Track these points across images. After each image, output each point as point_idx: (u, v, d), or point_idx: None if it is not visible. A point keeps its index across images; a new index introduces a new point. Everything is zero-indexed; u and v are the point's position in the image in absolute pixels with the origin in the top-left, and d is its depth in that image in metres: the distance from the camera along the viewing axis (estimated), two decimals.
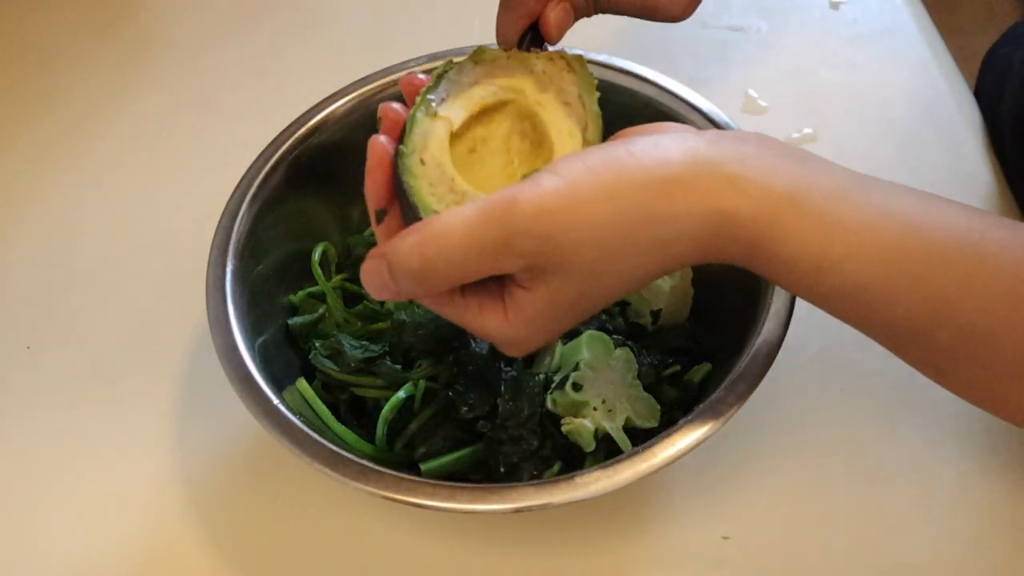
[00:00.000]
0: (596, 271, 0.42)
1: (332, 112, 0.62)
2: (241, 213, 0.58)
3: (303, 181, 0.61)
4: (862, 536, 0.55)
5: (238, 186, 0.59)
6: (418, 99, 0.48)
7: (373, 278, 0.43)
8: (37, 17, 0.87)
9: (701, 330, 0.59)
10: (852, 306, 0.43)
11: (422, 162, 0.46)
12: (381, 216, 0.46)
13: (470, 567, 0.55)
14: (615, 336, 0.56)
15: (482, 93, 0.49)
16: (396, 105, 0.47)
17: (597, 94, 0.49)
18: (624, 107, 0.63)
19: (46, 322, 0.68)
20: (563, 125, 0.48)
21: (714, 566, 0.55)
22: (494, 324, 0.44)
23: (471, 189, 0.46)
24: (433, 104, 0.48)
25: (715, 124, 0.59)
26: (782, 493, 0.57)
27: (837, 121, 0.75)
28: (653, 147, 0.42)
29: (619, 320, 0.58)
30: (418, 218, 0.44)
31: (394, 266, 0.42)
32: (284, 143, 0.61)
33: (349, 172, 0.63)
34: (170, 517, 0.58)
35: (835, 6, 0.83)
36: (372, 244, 0.63)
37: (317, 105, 0.62)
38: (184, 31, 0.86)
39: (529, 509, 0.46)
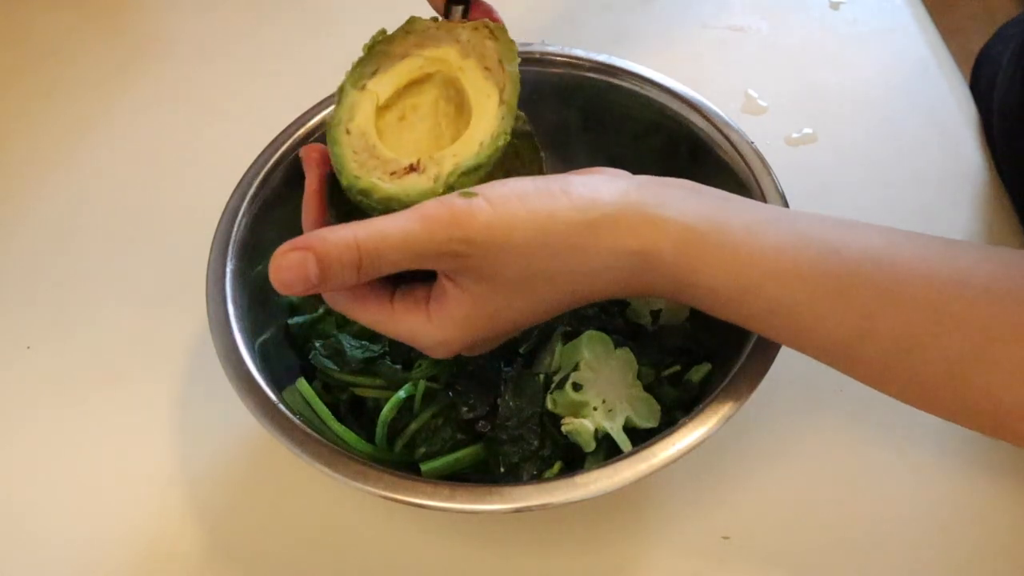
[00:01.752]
0: (522, 288, 0.45)
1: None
2: (241, 213, 0.58)
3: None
4: (862, 536, 0.55)
5: (238, 186, 0.59)
6: (348, 71, 0.51)
7: (295, 271, 0.43)
8: (37, 17, 0.87)
9: (701, 330, 0.59)
10: (781, 324, 0.45)
11: (347, 132, 0.50)
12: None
13: (470, 567, 0.55)
14: (615, 336, 0.56)
15: (409, 67, 0.51)
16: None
17: (517, 59, 0.50)
18: (624, 107, 0.63)
19: (46, 322, 0.68)
20: (482, 88, 0.50)
21: (714, 566, 0.55)
22: (416, 323, 0.47)
23: (392, 155, 0.49)
24: (363, 78, 0.51)
25: (715, 124, 0.59)
26: (782, 493, 0.57)
27: (837, 121, 0.75)
28: (585, 187, 0.45)
29: (619, 320, 0.58)
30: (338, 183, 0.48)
31: (328, 255, 0.43)
32: (284, 143, 0.61)
33: None
34: (170, 517, 0.58)
35: (835, 6, 0.83)
36: None
37: (317, 105, 0.62)
38: (184, 32, 0.86)
39: (529, 509, 0.46)
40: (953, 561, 0.54)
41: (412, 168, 0.48)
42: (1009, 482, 0.56)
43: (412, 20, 0.52)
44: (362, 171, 0.48)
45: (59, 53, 0.84)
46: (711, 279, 0.44)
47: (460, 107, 0.51)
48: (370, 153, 0.49)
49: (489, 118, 0.49)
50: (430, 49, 0.51)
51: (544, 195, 0.45)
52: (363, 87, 0.51)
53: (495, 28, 0.51)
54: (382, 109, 0.51)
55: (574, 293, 0.46)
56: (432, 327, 0.46)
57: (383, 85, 0.51)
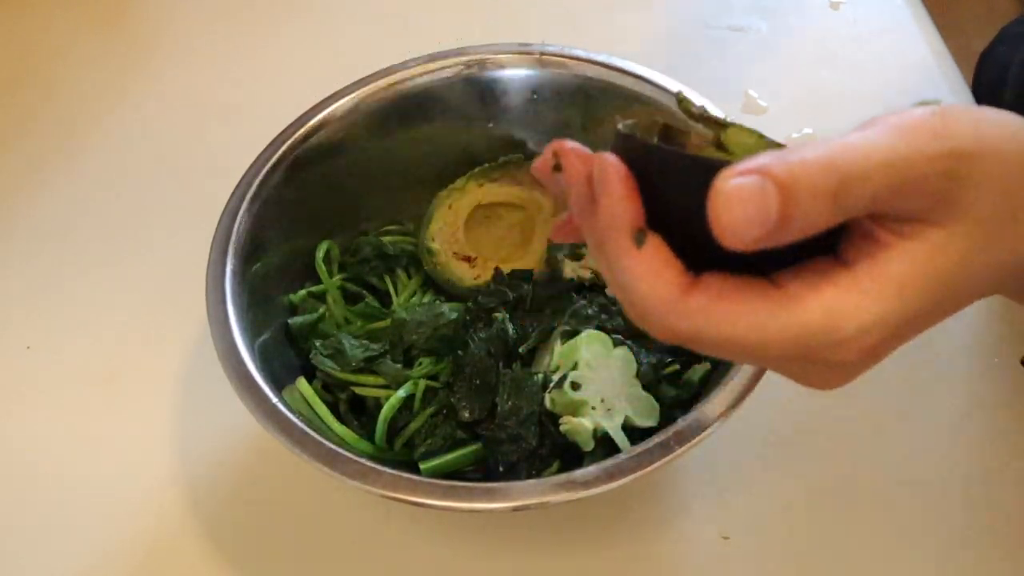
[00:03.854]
0: (992, 228, 0.33)
1: (332, 112, 0.62)
2: (241, 213, 0.58)
3: (303, 181, 0.61)
4: (862, 536, 0.55)
5: (238, 186, 0.59)
6: (480, 168, 0.64)
7: (750, 204, 0.30)
8: (35, 17, 0.88)
9: None
10: None
11: (450, 207, 0.63)
12: (641, 238, 0.34)
13: (470, 566, 0.55)
14: (614, 335, 0.56)
15: (515, 192, 0.64)
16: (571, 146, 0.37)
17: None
18: (624, 107, 0.63)
19: (46, 322, 0.68)
20: (540, 245, 0.63)
21: (714, 566, 0.55)
22: (834, 299, 0.32)
23: (462, 241, 0.63)
24: (485, 180, 0.64)
25: None
26: (782, 493, 0.57)
27: (837, 121, 0.74)
28: None
29: (619, 319, 0.58)
30: (694, 159, 0.34)
31: (795, 181, 0.30)
32: (284, 143, 0.61)
33: (349, 172, 0.64)
34: (170, 517, 0.58)
35: (835, 6, 0.83)
36: (380, 244, 0.64)
37: (317, 105, 0.62)
38: (184, 31, 0.86)
39: (528, 508, 0.46)
40: (959, 563, 0.54)
41: (467, 259, 0.62)
42: (1018, 481, 0.56)
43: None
44: (439, 237, 0.62)
45: (60, 54, 0.84)
46: None
47: (526, 240, 0.64)
48: (453, 230, 0.62)
49: (532, 260, 0.62)
50: (539, 192, 0.64)
51: (992, 109, 0.34)
52: (480, 185, 0.64)
53: None
54: (481, 204, 0.64)
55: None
56: (863, 298, 0.32)
57: (490, 192, 0.64)
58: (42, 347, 0.67)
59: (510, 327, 0.57)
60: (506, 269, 0.61)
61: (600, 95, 0.63)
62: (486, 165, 0.64)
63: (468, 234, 0.63)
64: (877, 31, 0.81)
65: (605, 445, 0.52)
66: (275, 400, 0.51)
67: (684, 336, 0.34)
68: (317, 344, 0.58)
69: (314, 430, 0.50)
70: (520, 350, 0.56)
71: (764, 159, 0.31)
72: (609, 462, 0.47)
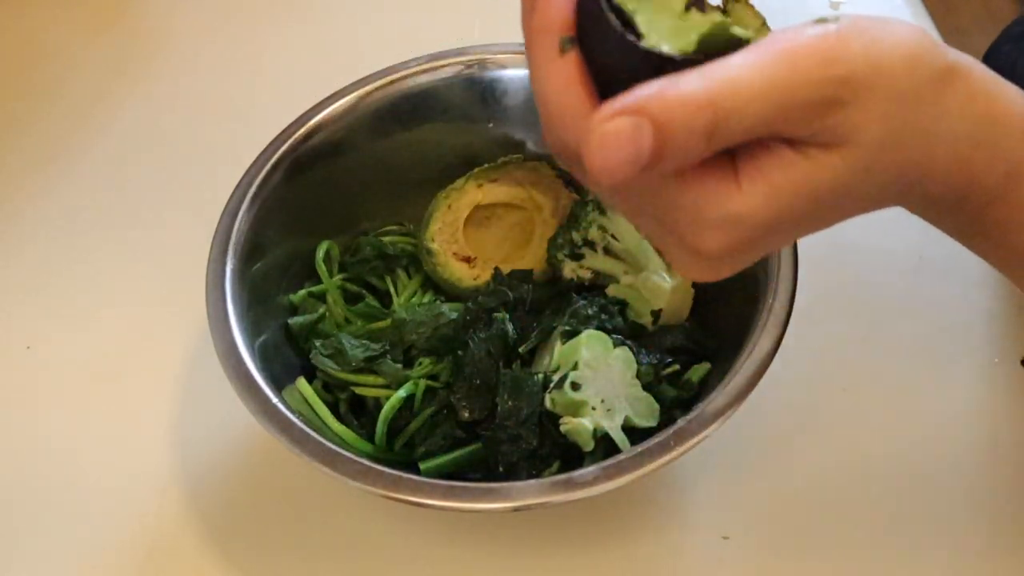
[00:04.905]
0: (875, 154, 0.34)
1: (332, 112, 0.62)
2: (241, 213, 0.58)
3: (303, 181, 0.61)
4: (862, 536, 0.55)
5: (238, 186, 0.59)
6: (480, 168, 0.63)
7: (624, 144, 0.31)
8: (35, 16, 0.88)
9: (701, 330, 0.59)
10: None
11: (449, 207, 0.62)
12: (566, 45, 0.35)
13: (470, 567, 0.55)
14: (614, 336, 0.56)
15: (515, 192, 0.63)
16: None
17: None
18: None
19: (46, 322, 0.68)
20: (540, 246, 0.62)
21: (714, 566, 0.55)
22: (711, 188, 0.34)
23: (463, 241, 0.62)
24: (484, 180, 0.63)
25: None
26: (782, 493, 0.57)
27: None
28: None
29: (619, 320, 0.58)
30: (629, 43, 0.34)
31: (672, 120, 0.31)
32: (284, 143, 0.61)
33: (349, 172, 0.64)
34: (170, 517, 0.58)
35: (835, 6, 0.83)
36: (380, 244, 0.64)
37: (317, 105, 0.62)
38: (184, 31, 0.86)
39: (528, 508, 0.47)
40: (960, 563, 0.54)
41: (467, 259, 0.62)
42: (1017, 480, 0.57)
43: (542, 164, 0.63)
44: (438, 238, 0.62)
45: (60, 53, 0.84)
46: None
47: (526, 240, 0.63)
48: (452, 230, 0.62)
49: (532, 261, 0.62)
50: (538, 192, 0.63)
51: (901, 24, 0.35)
52: (480, 185, 0.63)
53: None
54: (481, 205, 0.63)
55: (905, 175, 0.35)
56: (734, 192, 0.34)
57: (490, 192, 0.63)
58: (42, 346, 0.67)
59: (510, 327, 0.57)
60: (506, 269, 0.61)
61: None
62: (486, 165, 0.63)
63: (468, 234, 0.63)
64: None
65: (605, 445, 0.52)
66: (275, 400, 0.51)
67: (573, 155, 0.35)
68: (317, 344, 0.58)
69: (314, 430, 0.50)
70: (520, 350, 0.56)
71: (647, 91, 0.32)
72: (609, 462, 0.47)
